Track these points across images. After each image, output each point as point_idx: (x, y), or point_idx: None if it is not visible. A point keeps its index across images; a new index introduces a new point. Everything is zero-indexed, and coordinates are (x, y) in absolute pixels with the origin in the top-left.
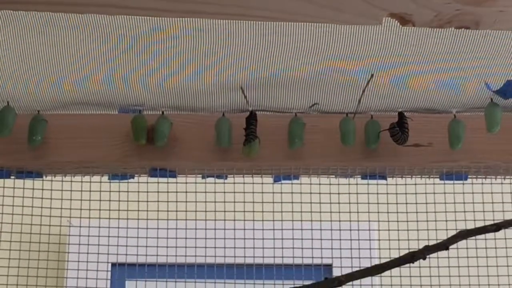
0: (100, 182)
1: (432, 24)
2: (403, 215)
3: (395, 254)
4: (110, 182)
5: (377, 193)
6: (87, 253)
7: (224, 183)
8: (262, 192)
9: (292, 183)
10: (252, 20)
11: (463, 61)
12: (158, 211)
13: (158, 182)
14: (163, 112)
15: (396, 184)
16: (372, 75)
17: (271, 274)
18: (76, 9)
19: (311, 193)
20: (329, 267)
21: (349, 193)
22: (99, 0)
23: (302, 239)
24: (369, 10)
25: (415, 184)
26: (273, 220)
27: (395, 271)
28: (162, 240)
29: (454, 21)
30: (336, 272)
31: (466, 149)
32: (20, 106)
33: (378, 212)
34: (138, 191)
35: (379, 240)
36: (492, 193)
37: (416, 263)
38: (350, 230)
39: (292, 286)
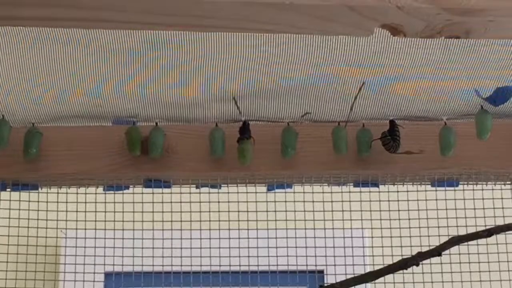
0: (95, 193)
1: (423, 34)
2: (395, 222)
3: (388, 261)
4: (105, 193)
5: (370, 201)
6: (84, 264)
7: (218, 192)
8: (256, 201)
9: (285, 192)
10: (245, 32)
11: (453, 69)
12: (153, 221)
13: (153, 193)
14: (156, 123)
15: (388, 191)
16: (363, 83)
17: (266, 281)
18: (71, 24)
19: (304, 201)
20: (322, 273)
21: (342, 201)
22: (95, 15)
23: (296, 247)
24: (361, 21)
25: (407, 191)
26: (267, 229)
27: (389, 277)
28: (157, 250)
29: (445, 31)
30: (330, 279)
31: (457, 156)
32: (15, 119)
33: (371, 219)
34: (133, 202)
35: (372, 247)
36: (483, 199)
37: (409, 270)
38: (344, 237)
39: None
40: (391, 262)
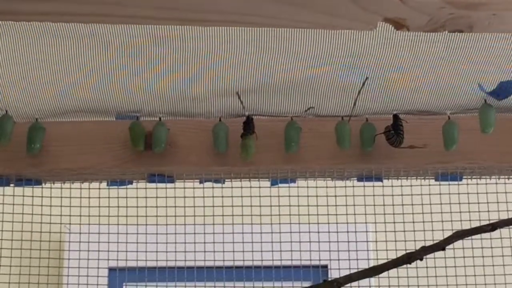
0: (99, 188)
1: (426, 28)
2: (399, 216)
3: (392, 255)
4: (108, 189)
5: (373, 195)
6: (88, 259)
7: (222, 187)
8: (260, 196)
9: (289, 187)
10: (247, 26)
11: (457, 63)
12: (157, 216)
13: (156, 188)
14: (160, 118)
15: (392, 186)
16: (367, 78)
17: (270, 276)
18: (74, 19)
19: (308, 196)
20: (326, 268)
21: (346, 195)
22: (96, 9)
23: (300, 241)
24: (364, 15)
25: (411, 185)
26: (271, 223)
27: (393, 272)
28: (161, 245)
29: (448, 25)
30: (334, 274)
31: (461, 150)
32: (18, 114)
33: (374, 214)
34: (137, 197)
35: (376, 241)
36: (487, 193)
37: (413, 264)
38: (347, 232)
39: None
40: (395, 257)
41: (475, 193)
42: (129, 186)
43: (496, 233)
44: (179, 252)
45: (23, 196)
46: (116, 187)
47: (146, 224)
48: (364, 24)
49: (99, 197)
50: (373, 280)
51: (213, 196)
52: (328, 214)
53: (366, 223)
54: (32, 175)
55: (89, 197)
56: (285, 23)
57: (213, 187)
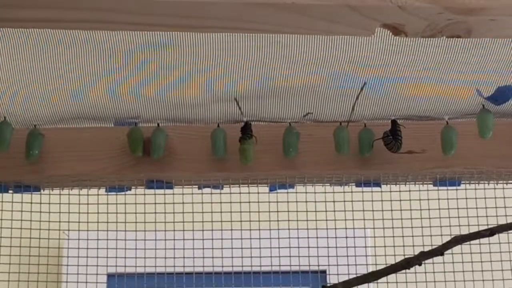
0: (98, 194)
1: (425, 34)
2: (398, 221)
3: (391, 261)
4: (107, 195)
5: (372, 200)
6: (86, 265)
7: (220, 193)
8: (258, 202)
9: (287, 192)
10: (246, 33)
11: (455, 69)
12: (155, 222)
13: (155, 194)
14: (158, 124)
15: (391, 191)
16: (365, 83)
17: (269, 281)
18: (72, 26)
19: (306, 201)
20: (325, 273)
21: (344, 201)
22: (94, 16)
23: (298, 247)
24: (362, 21)
25: (409, 190)
26: (270, 229)
27: (391, 277)
28: (160, 251)
29: (446, 30)
30: (333, 279)
31: (459, 155)
32: (16, 120)
33: (373, 219)
34: (135, 203)
35: (374, 246)
36: (485, 198)
37: (412, 269)
38: (346, 237)
39: None
40: (393, 262)
41: (474, 198)
42: (128, 192)
43: (494, 238)
44: (177, 258)
45: (22, 202)
46: (114, 193)
47: (145, 230)
48: (362, 30)
49: (98, 204)
50: (371, 286)
51: (211, 202)
52: (326, 220)
53: (364, 228)
54: (30, 181)
55: (87, 204)
56: (284, 29)
57: (211, 193)
